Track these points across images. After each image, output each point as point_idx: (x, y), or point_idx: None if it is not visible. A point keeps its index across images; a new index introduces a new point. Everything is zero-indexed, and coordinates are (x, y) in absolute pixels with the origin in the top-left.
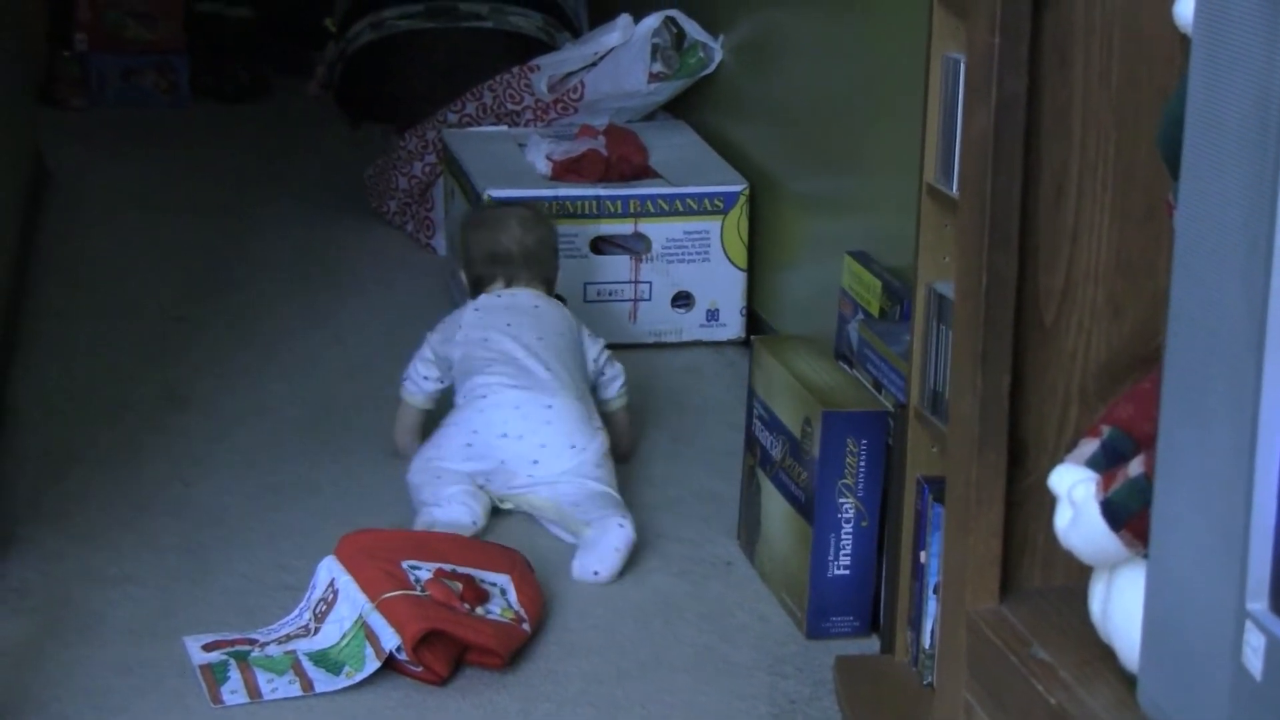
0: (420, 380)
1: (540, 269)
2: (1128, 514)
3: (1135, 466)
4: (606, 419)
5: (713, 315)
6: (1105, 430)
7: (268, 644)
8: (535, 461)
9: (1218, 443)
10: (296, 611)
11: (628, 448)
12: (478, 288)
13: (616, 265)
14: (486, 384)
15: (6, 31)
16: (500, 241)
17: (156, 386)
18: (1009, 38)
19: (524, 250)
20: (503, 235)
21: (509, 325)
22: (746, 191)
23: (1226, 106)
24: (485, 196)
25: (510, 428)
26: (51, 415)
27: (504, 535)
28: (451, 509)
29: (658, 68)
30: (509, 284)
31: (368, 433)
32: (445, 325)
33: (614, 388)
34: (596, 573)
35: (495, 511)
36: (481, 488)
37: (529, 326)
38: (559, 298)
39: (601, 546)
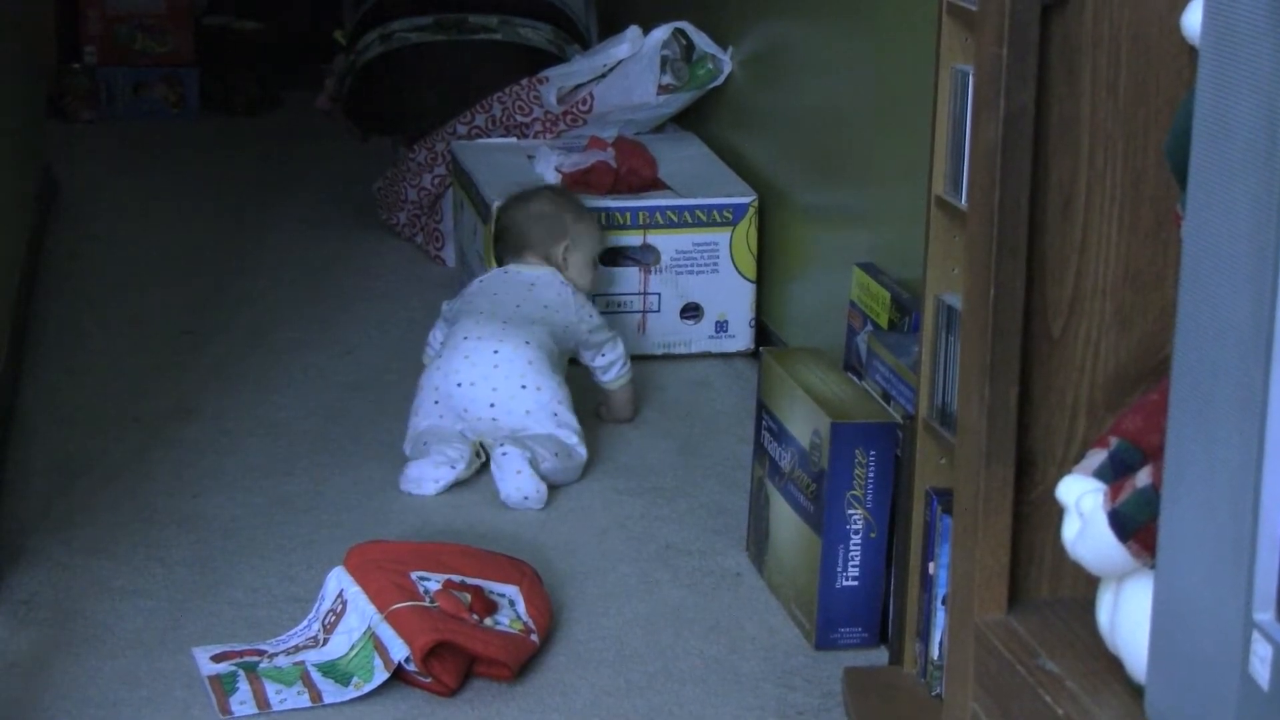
0: (436, 345)
1: (531, 243)
2: (1135, 525)
3: (1143, 477)
4: (606, 395)
5: (721, 327)
6: (1113, 441)
7: (276, 655)
8: (492, 405)
9: (1225, 453)
10: (305, 623)
11: (623, 414)
12: (502, 262)
13: (625, 277)
14: (448, 342)
15: (15, 44)
16: (503, 219)
17: (165, 399)
18: (1017, 50)
19: (514, 226)
20: (504, 214)
21: (496, 294)
22: (755, 203)
23: (1234, 117)
24: (495, 208)
25: (463, 376)
26: (60, 427)
27: (511, 544)
28: (422, 466)
29: (667, 80)
30: (513, 259)
31: (377, 445)
32: (458, 294)
33: (610, 374)
34: (526, 498)
35: (498, 514)
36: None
37: (513, 298)
38: None
39: (504, 476)
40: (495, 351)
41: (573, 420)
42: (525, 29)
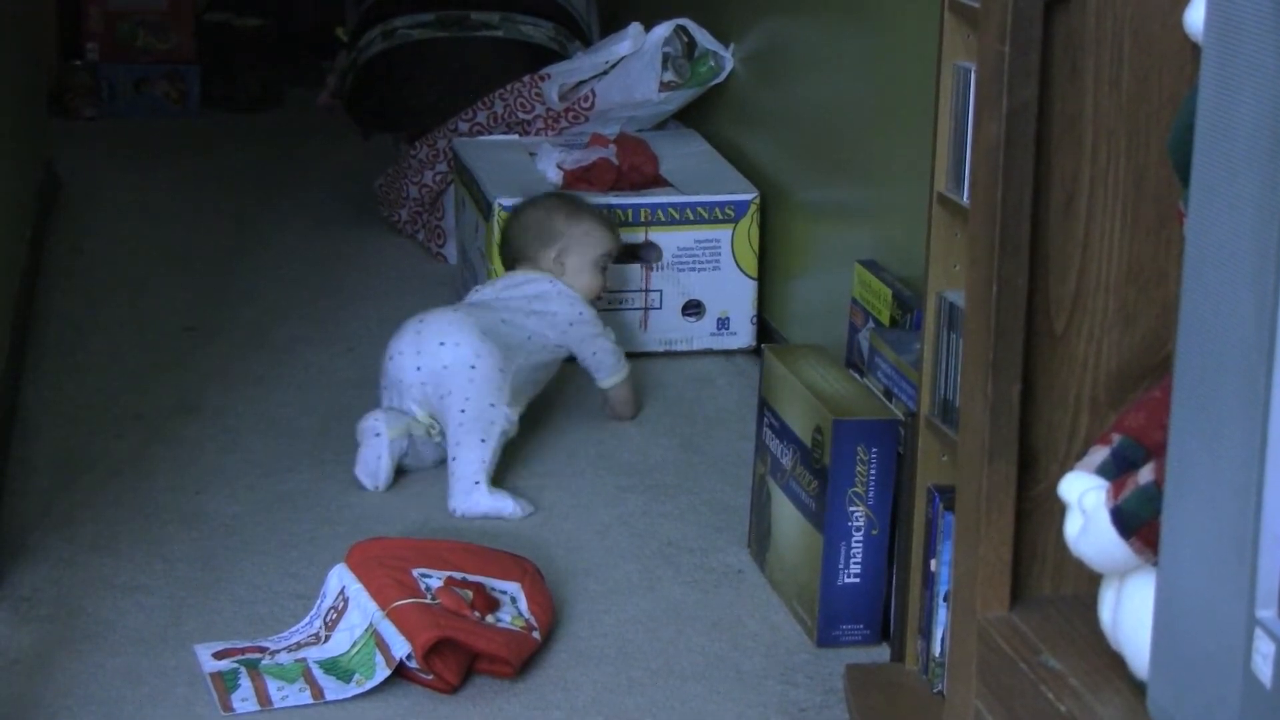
0: None
1: (523, 253)
2: (1138, 522)
3: (1145, 474)
4: (603, 394)
5: (723, 324)
6: (1116, 438)
7: (278, 652)
8: (418, 368)
9: (1228, 450)
10: (307, 619)
11: (624, 412)
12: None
13: (627, 274)
14: None
15: (17, 41)
16: (503, 230)
17: (168, 396)
18: (1019, 46)
19: (509, 237)
20: (505, 224)
21: (486, 293)
22: (757, 200)
23: (1237, 114)
24: (496, 205)
25: (393, 349)
26: (63, 424)
27: (513, 541)
28: (361, 457)
29: (669, 76)
30: (519, 265)
31: None
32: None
33: (601, 374)
34: (515, 514)
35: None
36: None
37: (489, 294)
38: None
39: (479, 509)
40: (420, 320)
41: (489, 383)
42: (527, 26)
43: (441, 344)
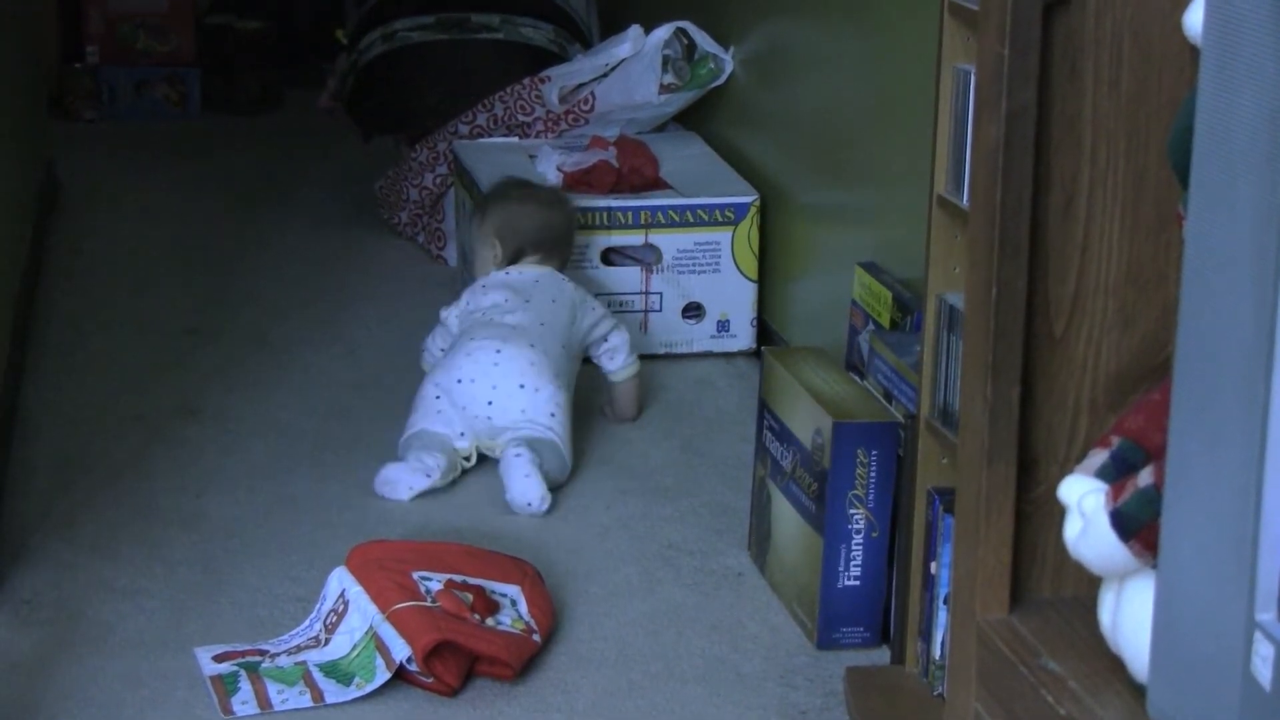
0: (435, 351)
1: (566, 250)
2: (1137, 524)
3: (1145, 477)
4: (612, 389)
5: (723, 326)
6: (1115, 441)
7: (278, 655)
8: (490, 403)
9: (1227, 453)
10: (307, 622)
11: (627, 412)
12: (516, 258)
13: (627, 276)
14: (458, 341)
15: (18, 43)
16: (554, 218)
17: (168, 398)
18: (1019, 49)
19: (562, 230)
20: (556, 213)
21: (506, 300)
22: (757, 202)
23: (1236, 117)
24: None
25: (464, 373)
26: (63, 426)
27: (513, 544)
28: (398, 470)
29: (669, 79)
30: (544, 259)
31: (379, 444)
32: (459, 300)
33: (616, 361)
34: (529, 504)
35: (500, 514)
36: (457, 443)
37: (522, 296)
38: None
39: (512, 478)
40: (498, 350)
41: (564, 428)
42: (527, 28)
43: (521, 386)
